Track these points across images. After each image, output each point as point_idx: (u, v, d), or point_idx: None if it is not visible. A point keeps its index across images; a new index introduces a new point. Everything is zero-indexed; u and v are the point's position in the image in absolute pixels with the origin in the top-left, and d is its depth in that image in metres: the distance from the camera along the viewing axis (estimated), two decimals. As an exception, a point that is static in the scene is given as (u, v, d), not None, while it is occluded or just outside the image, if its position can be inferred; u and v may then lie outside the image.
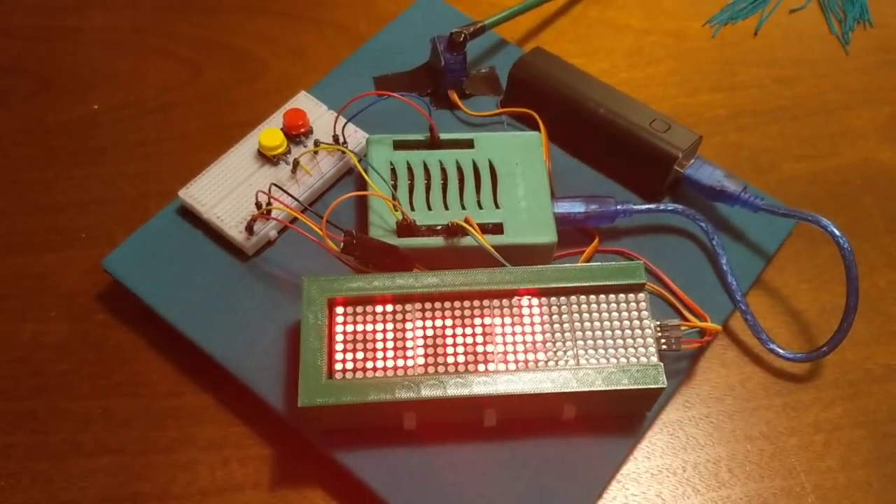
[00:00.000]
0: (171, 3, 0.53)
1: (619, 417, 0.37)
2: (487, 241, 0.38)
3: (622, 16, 0.53)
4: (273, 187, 0.39)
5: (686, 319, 0.39)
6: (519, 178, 0.40)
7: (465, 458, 0.36)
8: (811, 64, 0.51)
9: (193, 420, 0.39)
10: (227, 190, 0.41)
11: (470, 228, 0.37)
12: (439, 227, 0.38)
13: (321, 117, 0.44)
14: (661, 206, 0.41)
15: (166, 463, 0.38)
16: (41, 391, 0.39)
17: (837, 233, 0.38)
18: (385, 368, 0.35)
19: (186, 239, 0.41)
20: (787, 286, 0.42)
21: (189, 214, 0.41)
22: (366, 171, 0.40)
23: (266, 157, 0.42)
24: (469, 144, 0.41)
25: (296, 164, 0.41)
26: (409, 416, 0.35)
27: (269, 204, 0.39)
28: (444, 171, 0.41)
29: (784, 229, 0.42)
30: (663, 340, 0.36)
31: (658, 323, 0.36)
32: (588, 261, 0.41)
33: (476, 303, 0.36)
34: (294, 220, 0.40)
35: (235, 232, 0.40)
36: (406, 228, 0.38)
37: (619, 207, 0.40)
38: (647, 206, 0.40)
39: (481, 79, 0.47)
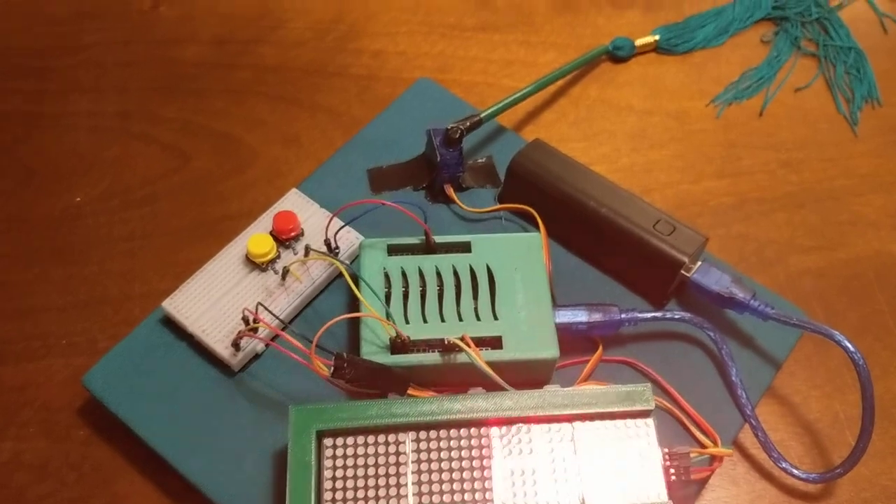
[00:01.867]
0: (157, 85, 0.51)
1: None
2: (486, 355, 0.36)
3: (623, 95, 0.51)
4: (259, 307, 0.37)
5: (695, 438, 0.37)
6: (518, 285, 0.39)
7: None
8: (818, 146, 0.49)
9: (176, 548, 0.37)
10: (213, 300, 0.39)
11: (467, 349, 0.35)
12: (434, 342, 0.37)
13: (313, 216, 0.42)
14: (668, 315, 0.39)
15: None
16: (17, 519, 0.37)
17: (852, 348, 0.36)
18: (378, 507, 0.33)
19: (170, 351, 0.39)
20: (798, 393, 0.41)
21: (173, 324, 0.40)
22: (358, 281, 0.38)
23: (254, 264, 0.40)
24: (466, 248, 0.40)
25: (285, 272, 0.40)
26: (405, 559, 0.33)
27: (255, 321, 0.37)
28: (440, 277, 0.39)
29: (795, 334, 0.41)
30: (672, 471, 0.34)
31: (667, 451, 0.34)
32: (592, 372, 0.39)
33: (474, 431, 0.34)
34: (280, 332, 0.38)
35: (221, 347, 0.38)
36: (400, 346, 0.36)
37: (623, 316, 0.38)
38: (652, 315, 0.39)
39: (478, 169, 0.45)
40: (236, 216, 0.45)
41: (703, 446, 0.37)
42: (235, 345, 0.38)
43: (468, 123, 0.43)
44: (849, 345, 0.36)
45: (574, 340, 0.40)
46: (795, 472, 0.37)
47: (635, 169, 0.48)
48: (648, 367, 0.39)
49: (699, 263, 0.40)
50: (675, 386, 0.39)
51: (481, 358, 0.35)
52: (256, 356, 0.39)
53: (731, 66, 0.53)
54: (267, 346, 0.39)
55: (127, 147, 0.49)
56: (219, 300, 0.39)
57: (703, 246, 0.41)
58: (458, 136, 0.42)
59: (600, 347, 0.39)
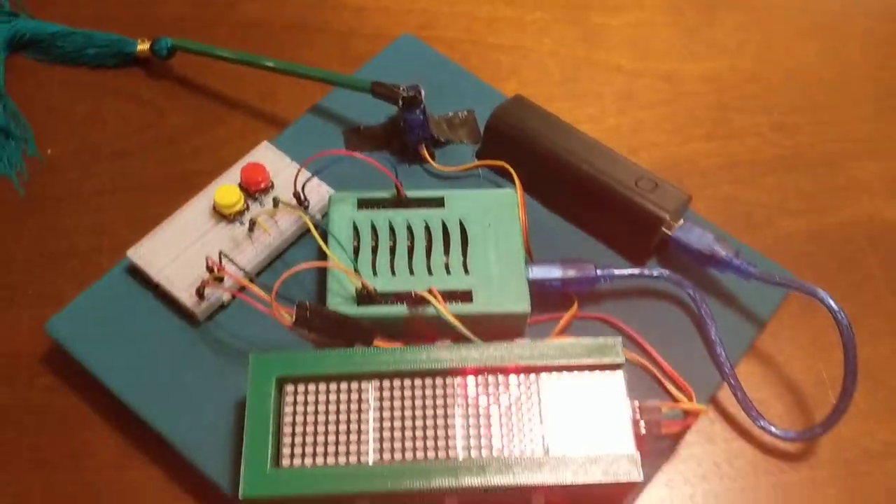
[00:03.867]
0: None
1: (593, 506, 0.34)
2: (455, 310, 0.35)
3: (612, 57, 0.50)
4: (222, 256, 0.36)
5: (670, 395, 0.36)
6: (491, 241, 0.38)
7: (424, 551, 0.33)
8: (812, 110, 0.47)
9: (136, 497, 0.36)
10: (179, 250, 0.38)
11: (433, 300, 0.34)
12: (402, 295, 0.35)
13: (284, 170, 0.41)
14: (646, 272, 0.38)
15: (109, 544, 0.35)
16: (-22, 465, 0.37)
17: (835, 307, 0.35)
18: (337, 456, 0.32)
19: (135, 301, 0.38)
20: (782, 353, 0.39)
21: (139, 274, 0.39)
22: (326, 234, 0.37)
23: (222, 215, 0.39)
24: (439, 203, 0.39)
25: (252, 223, 0.39)
26: (362, 508, 0.32)
27: (220, 271, 0.36)
28: (411, 232, 0.38)
29: (779, 294, 0.39)
30: (642, 423, 0.33)
31: (637, 404, 0.33)
32: (565, 328, 0.38)
33: (438, 381, 0.33)
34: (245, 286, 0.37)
35: (186, 296, 0.37)
36: (366, 297, 0.35)
37: (599, 273, 0.37)
38: (630, 272, 0.38)
39: (458, 124, 0.44)
40: (209, 172, 0.44)
41: (676, 402, 0.35)
42: (199, 293, 0.37)
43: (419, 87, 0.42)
44: (832, 303, 0.35)
45: (549, 297, 0.38)
46: (773, 429, 0.36)
47: (622, 130, 0.47)
48: (625, 324, 0.38)
49: (681, 222, 0.39)
50: (652, 343, 0.37)
51: (447, 310, 0.34)
52: (222, 306, 0.38)
53: (726, 28, 0.51)
54: (233, 297, 0.38)
55: (101, 102, 0.48)
56: (185, 251, 0.38)
57: (685, 204, 0.39)
58: (413, 95, 0.41)
59: (575, 304, 0.38)
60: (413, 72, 0.45)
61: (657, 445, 0.36)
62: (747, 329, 0.39)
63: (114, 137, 0.47)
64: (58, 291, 0.41)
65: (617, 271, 0.37)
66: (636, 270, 0.38)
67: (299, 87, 0.48)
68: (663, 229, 0.38)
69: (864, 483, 0.36)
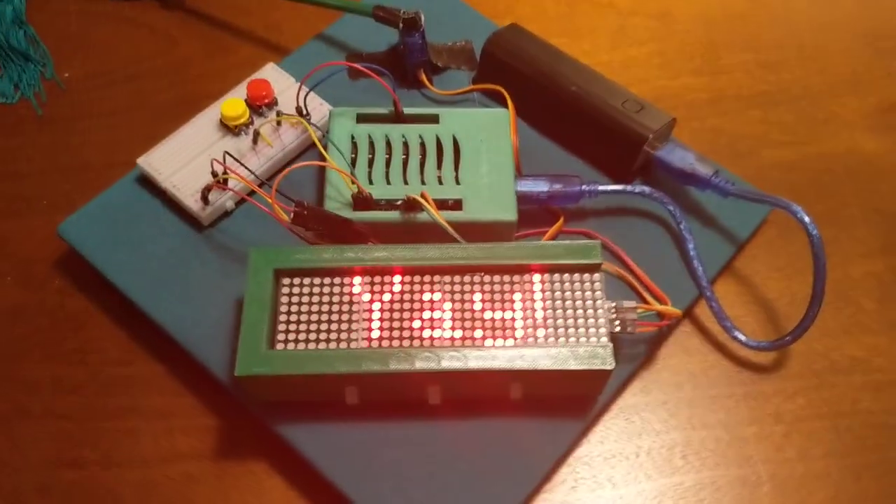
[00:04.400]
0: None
1: (569, 400, 0.36)
2: (446, 217, 0.37)
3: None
4: (227, 156, 0.38)
5: (645, 301, 0.38)
6: (483, 155, 0.39)
7: (408, 435, 0.35)
8: (798, 48, 0.49)
9: (141, 389, 0.38)
10: (187, 159, 0.40)
11: (425, 203, 0.36)
12: (396, 202, 0.37)
13: (288, 89, 0.43)
14: (628, 188, 0.39)
15: (111, 430, 0.37)
16: (-6, 357, 0.39)
17: (807, 220, 0.37)
18: (328, 341, 0.34)
19: (144, 207, 0.41)
20: (758, 274, 0.41)
21: (148, 183, 0.41)
22: (325, 145, 0.39)
23: (228, 128, 0.41)
24: (434, 120, 0.41)
25: (256, 134, 0.41)
26: (350, 390, 0.34)
27: (224, 173, 0.38)
28: (406, 145, 0.40)
29: (758, 216, 0.41)
30: (617, 322, 0.35)
31: (613, 304, 0.35)
32: (550, 241, 0.40)
33: (426, 278, 0.35)
34: (251, 192, 0.39)
35: (191, 201, 0.39)
36: (362, 202, 0.37)
37: (583, 188, 0.39)
38: (612, 188, 0.39)
39: (457, 52, 0.46)
40: (217, 94, 0.45)
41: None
42: (204, 198, 0.39)
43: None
44: (805, 217, 0.37)
45: (536, 212, 0.40)
46: (745, 339, 0.38)
47: (613, 65, 0.48)
48: (608, 238, 0.40)
49: (666, 144, 0.41)
50: (633, 257, 0.39)
51: (438, 212, 0.36)
52: (226, 213, 0.40)
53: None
54: (237, 204, 0.40)
55: (116, 31, 0.50)
56: (192, 160, 0.40)
57: (670, 127, 0.41)
58: (413, 16, 0.43)
59: (561, 219, 0.40)
60: (412, 5, 0.47)
61: (634, 350, 0.37)
62: (725, 247, 0.40)
63: (127, 63, 0.49)
64: (71, 202, 0.43)
65: (601, 187, 0.39)
66: (619, 186, 0.39)
67: (303, 19, 0.50)
68: (646, 148, 0.40)
69: (831, 394, 0.38)
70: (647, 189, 0.39)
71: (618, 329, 0.35)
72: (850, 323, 0.40)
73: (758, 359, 0.39)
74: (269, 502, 0.36)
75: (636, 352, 0.38)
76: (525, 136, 0.43)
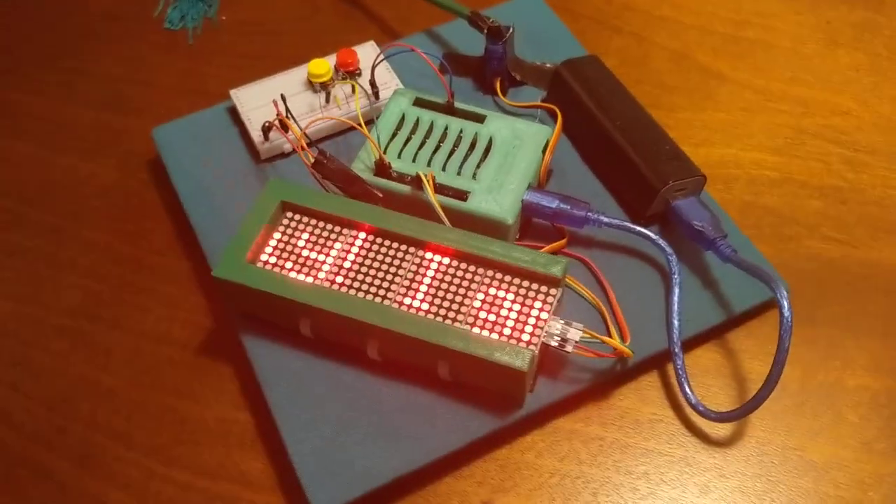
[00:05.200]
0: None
1: (497, 399, 0.37)
2: (448, 204, 0.40)
3: (714, 61, 0.51)
4: (282, 97, 0.43)
5: (607, 331, 0.38)
6: (509, 161, 0.42)
7: (344, 380, 0.38)
8: (890, 156, 0.47)
9: (164, 277, 0.44)
10: (268, 100, 0.46)
11: (424, 181, 0.39)
12: (408, 178, 0.41)
13: (378, 68, 0.47)
14: (631, 226, 0.40)
15: (128, 302, 0.44)
16: (72, 216, 0.47)
17: (785, 304, 0.36)
18: (298, 272, 0.38)
19: (224, 132, 0.47)
20: (746, 352, 0.40)
21: (234, 113, 0.47)
22: (378, 116, 0.43)
23: (311, 84, 0.47)
24: (480, 119, 0.43)
25: (328, 94, 0.46)
26: (304, 322, 0.38)
27: (277, 115, 0.43)
28: (445, 134, 0.43)
29: (762, 295, 0.40)
30: (557, 336, 0.36)
31: (563, 321, 0.36)
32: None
33: (401, 246, 0.38)
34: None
35: (256, 135, 0.45)
36: (381, 169, 0.41)
37: (589, 214, 0.40)
38: (616, 222, 0.40)
39: (537, 70, 0.48)
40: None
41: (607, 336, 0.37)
42: (265, 133, 0.44)
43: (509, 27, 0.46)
44: (784, 300, 0.36)
45: (547, 229, 0.42)
46: (692, 399, 0.37)
47: (693, 123, 0.49)
48: (600, 269, 0.41)
49: (689, 197, 0.41)
50: (618, 292, 0.40)
51: (434, 193, 0.39)
52: (284, 155, 0.46)
53: (840, 64, 0.51)
54: (293, 151, 0.45)
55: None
56: (271, 102, 0.46)
57: (698, 183, 0.41)
58: (498, 26, 0.46)
59: (565, 239, 0.42)
60: (523, 24, 0.50)
61: (579, 375, 0.38)
62: (714, 313, 0.40)
63: (276, 19, 0.56)
64: (178, 115, 0.50)
65: (605, 218, 0.40)
66: (622, 223, 0.40)
67: (429, 15, 0.54)
68: (667, 197, 0.41)
69: (767, 488, 0.37)
70: (648, 232, 0.40)
71: (554, 343, 0.36)
72: (822, 428, 0.38)
73: (711, 430, 0.38)
74: (220, 402, 0.40)
75: (581, 377, 0.38)
76: (566, 157, 0.45)
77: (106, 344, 0.42)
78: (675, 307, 0.39)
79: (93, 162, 0.49)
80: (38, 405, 0.41)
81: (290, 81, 0.47)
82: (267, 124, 0.44)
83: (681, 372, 0.38)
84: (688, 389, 0.37)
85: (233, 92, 0.47)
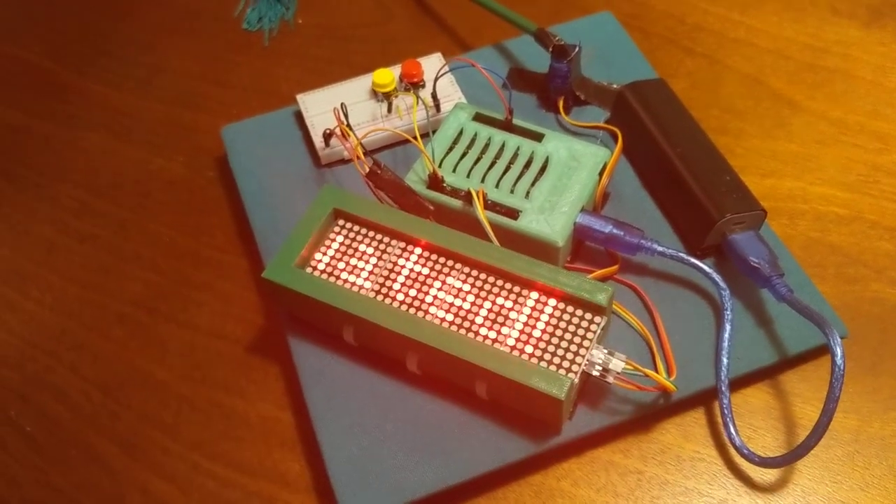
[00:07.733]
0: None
1: (535, 424, 0.37)
2: (499, 222, 0.40)
3: (795, 89, 0.50)
4: (342, 105, 0.43)
5: (654, 365, 0.38)
6: (564, 183, 0.41)
7: (383, 390, 0.39)
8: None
9: (222, 274, 0.46)
10: (332, 107, 0.47)
11: (475, 198, 0.39)
12: (461, 193, 0.41)
13: (442, 81, 0.48)
14: (683, 256, 0.39)
15: (186, 296, 0.45)
16: (140, 208, 0.49)
17: (839, 351, 0.34)
18: (346, 281, 0.39)
19: (289, 135, 0.48)
20: (799, 396, 0.39)
21: (300, 117, 0.48)
22: (435, 129, 0.43)
23: (375, 93, 0.47)
24: (538, 138, 0.43)
25: (390, 105, 0.46)
26: (347, 329, 0.38)
27: (345, 122, 0.44)
28: (501, 151, 0.43)
29: (818, 339, 0.39)
30: (599, 366, 0.35)
31: (606, 351, 0.36)
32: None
33: (449, 262, 0.38)
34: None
35: (318, 140, 0.46)
36: (434, 182, 0.41)
37: (642, 242, 0.40)
38: (669, 251, 0.39)
39: (601, 91, 0.47)
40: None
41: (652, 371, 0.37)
42: (326, 140, 0.45)
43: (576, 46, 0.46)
44: (837, 347, 0.35)
45: (600, 254, 0.42)
46: (737, 441, 0.36)
47: (763, 151, 0.47)
48: (651, 299, 0.40)
49: (749, 231, 0.40)
50: (667, 324, 0.39)
51: (483, 211, 0.39)
52: (343, 161, 0.46)
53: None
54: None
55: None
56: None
57: (758, 218, 0.40)
58: (563, 45, 0.45)
59: (617, 265, 0.41)
60: (594, 42, 0.50)
61: (621, 407, 0.37)
62: (766, 353, 0.39)
63: (350, 25, 0.57)
64: (249, 115, 0.51)
65: (659, 247, 0.40)
66: (676, 252, 0.39)
67: (501, 30, 0.54)
68: (724, 229, 0.40)
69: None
70: (702, 265, 0.39)
71: (595, 373, 0.35)
72: (873, 481, 0.37)
73: (754, 474, 0.37)
74: (265, 399, 0.41)
75: (622, 408, 0.38)
76: (626, 181, 0.44)
77: (161, 336, 0.44)
78: (725, 343, 0.38)
79: (162, 156, 0.51)
80: (94, 389, 0.42)
81: (355, 89, 0.48)
82: (328, 131, 0.45)
83: (726, 411, 0.37)
84: (732, 430, 0.36)
85: (299, 97, 0.48)
